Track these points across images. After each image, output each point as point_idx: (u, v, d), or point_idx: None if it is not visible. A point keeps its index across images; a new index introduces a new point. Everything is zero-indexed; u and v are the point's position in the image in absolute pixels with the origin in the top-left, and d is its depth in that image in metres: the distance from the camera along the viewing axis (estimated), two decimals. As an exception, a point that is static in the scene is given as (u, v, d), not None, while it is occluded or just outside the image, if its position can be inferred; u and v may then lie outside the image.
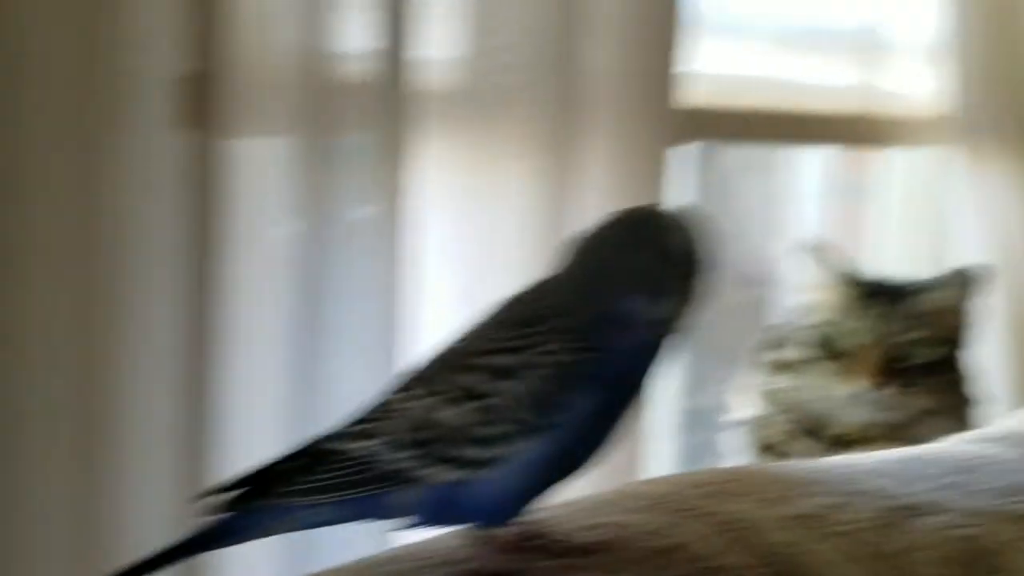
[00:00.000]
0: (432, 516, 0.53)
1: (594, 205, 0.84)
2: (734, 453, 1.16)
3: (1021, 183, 1.25)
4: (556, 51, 0.78)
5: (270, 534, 0.53)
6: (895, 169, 1.48)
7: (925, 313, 1.10)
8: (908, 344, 1.09)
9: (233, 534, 0.53)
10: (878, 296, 1.11)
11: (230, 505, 0.52)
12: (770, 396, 1.14)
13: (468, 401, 0.51)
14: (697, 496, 0.65)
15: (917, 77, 1.30)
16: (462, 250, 0.78)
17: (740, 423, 1.16)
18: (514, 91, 0.77)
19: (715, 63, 1.10)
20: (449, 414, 0.51)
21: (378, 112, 0.67)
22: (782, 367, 1.14)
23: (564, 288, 0.53)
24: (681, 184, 1.46)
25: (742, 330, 1.55)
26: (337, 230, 0.68)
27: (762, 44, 1.15)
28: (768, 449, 1.12)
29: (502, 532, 0.54)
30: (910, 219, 1.48)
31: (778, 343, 1.16)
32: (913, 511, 0.70)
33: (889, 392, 1.05)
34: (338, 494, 0.51)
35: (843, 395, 1.08)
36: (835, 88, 1.22)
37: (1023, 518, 0.73)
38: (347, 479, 0.51)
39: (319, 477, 0.51)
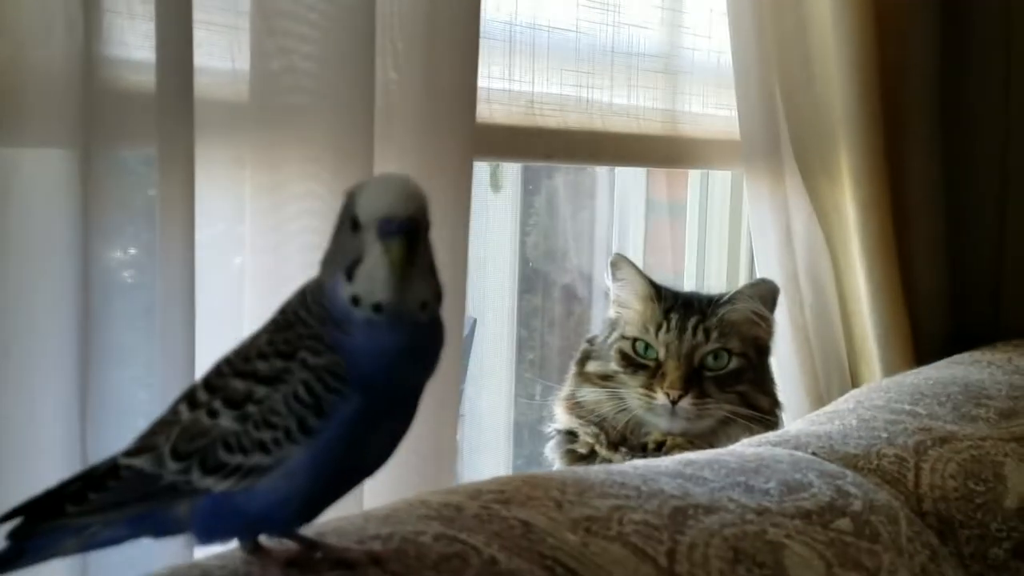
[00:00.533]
0: (210, 529, 0.52)
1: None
2: (554, 463, 1.18)
3: (805, 203, 1.32)
4: (351, 65, 0.78)
5: (66, 553, 0.53)
6: (703, 188, 1.55)
7: (726, 325, 1.15)
8: (710, 355, 1.13)
9: (28, 554, 0.52)
10: (682, 310, 1.15)
11: (21, 529, 0.52)
12: (582, 407, 1.16)
13: (232, 409, 0.51)
14: (490, 502, 0.67)
15: (715, 101, 1.36)
16: (254, 268, 0.77)
17: (559, 433, 1.19)
18: (307, 105, 0.76)
19: (520, 82, 1.12)
20: (215, 423, 0.51)
21: (161, 124, 0.66)
22: (591, 379, 1.17)
23: (311, 290, 0.53)
24: (506, 201, 1.49)
25: (565, 343, 1.59)
26: (117, 245, 0.66)
27: (566, 64, 1.17)
28: (581, 459, 1.14)
29: (283, 545, 0.54)
30: (718, 236, 1.55)
31: (588, 356, 1.19)
32: (701, 509, 0.73)
33: (692, 401, 1.09)
34: (125, 510, 0.51)
35: (649, 405, 1.11)
36: (639, 109, 1.25)
37: (801, 514, 0.77)
38: (132, 494, 0.51)
39: (108, 493, 0.51)
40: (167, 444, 0.51)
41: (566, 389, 1.20)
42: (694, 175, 1.54)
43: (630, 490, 0.74)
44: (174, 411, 0.53)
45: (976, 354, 1.27)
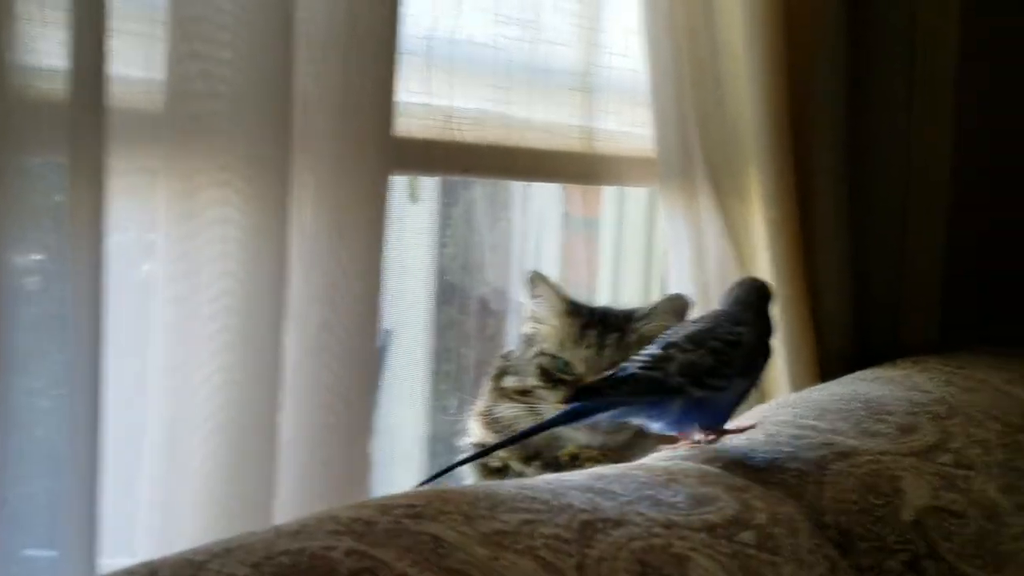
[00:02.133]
0: (686, 417, 0.93)
1: (311, 235, 0.84)
2: (467, 476, 1.18)
3: (717, 220, 1.35)
4: (267, 75, 0.77)
5: (597, 420, 0.95)
6: (619, 203, 1.57)
7: (641, 340, 1.16)
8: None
9: (580, 416, 0.93)
10: (599, 325, 1.17)
11: (579, 395, 0.93)
12: (499, 422, 1.17)
13: (712, 355, 0.92)
14: (401, 516, 0.67)
15: (631, 119, 1.38)
16: (165, 276, 0.76)
17: (473, 447, 1.19)
18: (222, 112, 0.75)
19: (438, 96, 1.12)
20: (702, 361, 0.92)
21: (72, 133, 0.65)
22: (508, 394, 1.17)
23: (747, 308, 0.99)
24: (423, 212, 1.49)
25: (481, 356, 1.59)
26: (27, 254, 0.65)
27: (484, 79, 1.18)
28: (494, 472, 1.15)
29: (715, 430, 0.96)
30: (632, 251, 1.57)
31: (505, 371, 1.20)
32: (610, 523, 0.75)
33: (608, 416, 1.11)
34: (643, 397, 0.92)
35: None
36: (556, 125, 1.27)
37: (707, 527, 0.79)
38: (647, 388, 0.91)
39: (632, 387, 0.91)
40: (673, 367, 0.91)
41: (482, 404, 1.20)
42: (610, 191, 1.56)
43: (540, 504, 0.74)
44: (666, 355, 0.92)
45: (878, 371, 1.31)
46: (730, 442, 0.97)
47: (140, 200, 0.76)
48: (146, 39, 0.76)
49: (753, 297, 1.00)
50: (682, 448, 0.96)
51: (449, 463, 1.05)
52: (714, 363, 0.92)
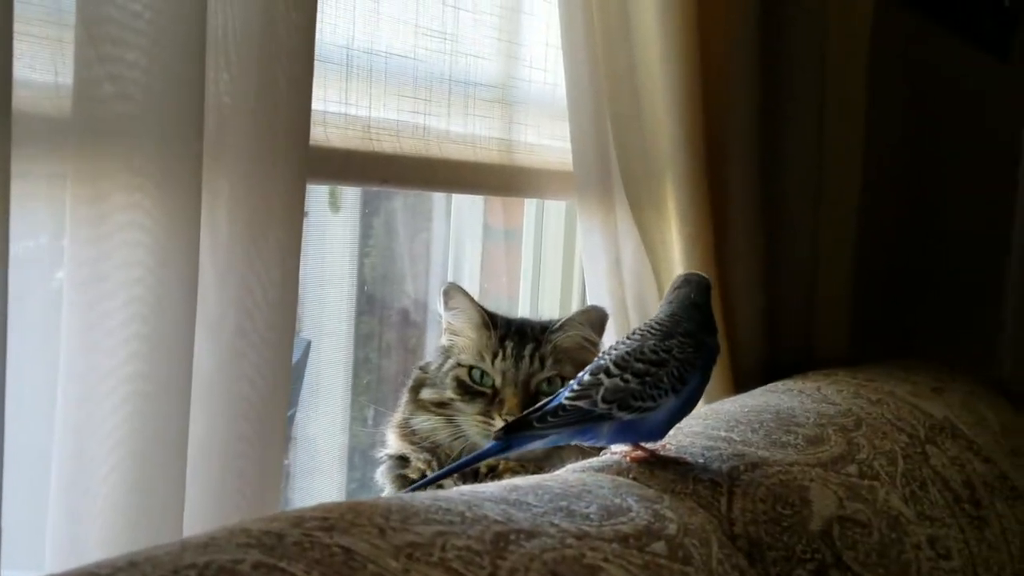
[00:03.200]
0: (615, 438, 0.95)
1: (225, 242, 0.83)
2: (384, 488, 1.18)
3: (634, 234, 1.36)
4: (181, 80, 0.76)
5: (532, 447, 0.96)
6: (538, 215, 1.58)
7: (559, 352, 1.18)
8: (544, 381, 1.16)
9: (511, 448, 0.95)
10: (516, 337, 1.17)
11: (510, 431, 0.94)
12: (416, 434, 1.17)
13: (637, 378, 0.93)
14: (313, 529, 0.66)
15: (550, 132, 1.39)
16: (73, 280, 0.74)
17: (391, 459, 1.18)
18: (132, 115, 0.74)
19: (357, 106, 1.12)
20: (627, 385, 0.93)
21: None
22: (425, 406, 1.17)
23: (680, 315, 0.98)
24: (345, 222, 1.49)
25: (401, 367, 1.59)
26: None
27: (403, 90, 1.18)
28: (411, 484, 1.14)
29: (648, 446, 0.97)
30: (552, 263, 1.58)
31: (423, 383, 1.20)
32: (523, 534, 0.75)
33: (526, 427, 1.11)
34: (571, 426, 0.93)
35: (487, 432, 1.12)
36: (475, 137, 1.27)
37: (619, 537, 0.79)
38: (575, 418, 0.93)
39: (562, 418, 0.93)
40: (599, 395, 0.93)
41: (399, 415, 1.20)
42: (530, 203, 1.57)
43: (454, 516, 0.74)
44: (596, 381, 0.94)
45: (789, 383, 1.34)
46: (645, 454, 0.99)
47: (50, 206, 0.74)
48: (53, 43, 0.74)
49: (691, 298, 0.99)
50: (597, 460, 0.97)
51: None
52: (639, 387, 0.93)
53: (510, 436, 0.94)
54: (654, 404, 0.93)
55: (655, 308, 1.39)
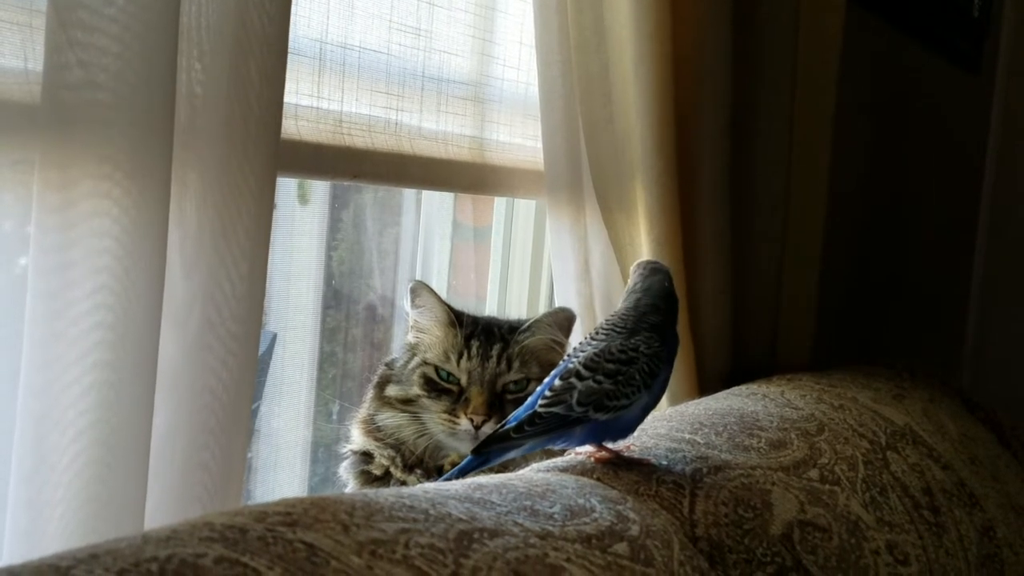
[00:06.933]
0: (588, 438, 0.95)
1: (194, 233, 0.82)
2: (348, 483, 1.17)
3: (603, 236, 1.37)
4: (153, 69, 0.75)
5: (511, 457, 0.96)
6: (508, 214, 1.58)
7: (526, 352, 1.18)
8: (511, 381, 1.16)
9: (489, 461, 0.94)
10: (483, 336, 1.17)
11: (486, 446, 0.94)
12: (381, 431, 1.16)
13: (609, 378, 0.94)
14: (276, 524, 0.66)
15: (522, 131, 1.39)
16: (39, 271, 0.73)
17: (354, 454, 1.18)
18: (101, 102, 0.73)
19: (329, 100, 1.12)
20: (600, 387, 0.93)
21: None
22: (391, 403, 1.17)
23: (645, 307, 0.99)
24: (313, 215, 1.48)
25: (367, 362, 1.58)
26: None
27: (376, 85, 1.18)
28: (375, 480, 1.14)
29: (613, 447, 0.98)
30: (520, 262, 1.59)
31: (388, 379, 1.19)
32: (486, 533, 0.75)
33: (495, 426, 1.09)
34: (549, 433, 0.93)
35: (452, 431, 1.13)
36: (447, 135, 1.27)
37: (582, 538, 0.80)
38: (552, 425, 0.93)
39: (539, 427, 0.93)
40: (573, 399, 0.93)
41: (364, 411, 1.19)
42: (500, 201, 1.57)
43: (418, 513, 0.74)
44: (568, 385, 0.94)
45: (753, 386, 1.34)
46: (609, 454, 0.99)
47: (16, 192, 0.73)
48: (23, 28, 0.73)
49: (660, 289, 1.00)
50: (562, 459, 0.97)
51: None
52: (612, 387, 0.93)
53: (488, 449, 0.94)
54: (628, 402, 0.94)
55: (622, 309, 1.41)
